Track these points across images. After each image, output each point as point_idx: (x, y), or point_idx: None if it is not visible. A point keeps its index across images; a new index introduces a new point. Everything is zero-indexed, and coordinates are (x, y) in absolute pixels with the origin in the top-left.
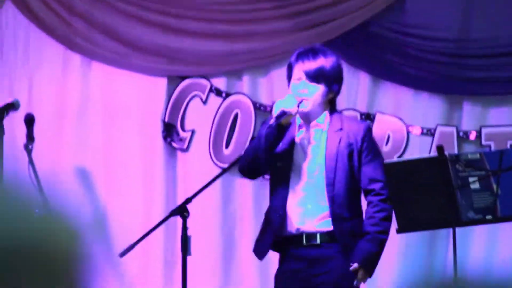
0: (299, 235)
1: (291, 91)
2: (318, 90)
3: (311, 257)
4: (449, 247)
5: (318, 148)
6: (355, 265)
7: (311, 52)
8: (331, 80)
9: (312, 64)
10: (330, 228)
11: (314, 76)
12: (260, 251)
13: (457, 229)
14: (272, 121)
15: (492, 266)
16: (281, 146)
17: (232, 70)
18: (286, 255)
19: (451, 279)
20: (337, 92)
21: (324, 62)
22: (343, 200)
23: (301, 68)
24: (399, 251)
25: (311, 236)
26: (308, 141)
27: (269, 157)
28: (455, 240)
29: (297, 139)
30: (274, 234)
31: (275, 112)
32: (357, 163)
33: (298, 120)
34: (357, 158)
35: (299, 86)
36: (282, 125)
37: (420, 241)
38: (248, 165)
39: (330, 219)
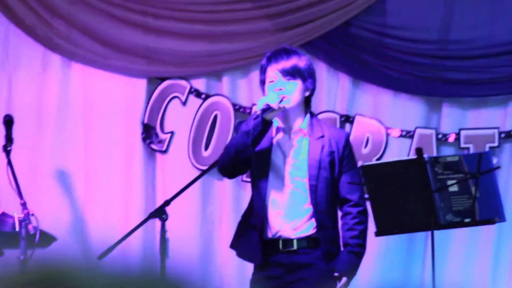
0: (276, 240)
1: (267, 92)
2: (295, 85)
3: (288, 263)
4: (427, 250)
5: (298, 152)
6: (344, 279)
7: (283, 52)
8: (306, 76)
9: (286, 62)
10: (308, 234)
11: (290, 73)
12: (252, 255)
13: (436, 232)
14: (258, 113)
15: (470, 269)
16: (259, 146)
17: (212, 71)
18: (263, 260)
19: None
20: (312, 90)
21: (298, 59)
22: (325, 208)
23: (275, 68)
24: (377, 253)
25: (287, 242)
26: (288, 143)
27: (251, 153)
28: (433, 242)
29: (275, 140)
30: (259, 237)
31: (259, 107)
32: (338, 171)
33: (276, 123)
34: (338, 166)
35: (275, 85)
36: (266, 120)
37: (398, 243)
38: (229, 163)
39: (308, 225)
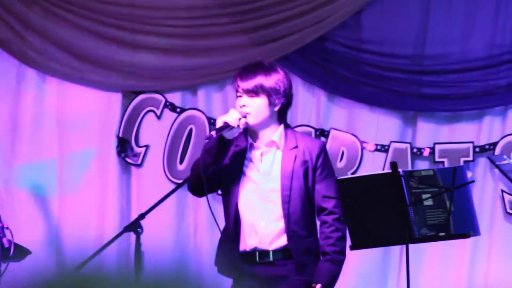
0: (252, 252)
1: (236, 106)
2: (259, 103)
3: (265, 275)
4: (402, 262)
5: (271, 165)
6: (319, 286)
7: (250, 68)
8: (271, 92)
9: (249, 82)
10: (284, 244)
11: (252, 91)
12: (228, 270)
13: (411, 245)
14: (213, 133)
15: (445, 283)
16: (231, 161)
17: (187, 85)
18: (240, 273)
19: None
20: (281, 104)
21: (263, 77)
22: (299, 217)
23: (240, 85)
24: (353, 266)
25: (264, 253)
26: (260, 157)
27: (211, 172)
28: (408, 256)
29: (248, 155)
30: (235, 251)
31: (218, 125)
32: (312, 181)
33: (250, 137)
34: (312, 176)
35: (240, 102)
36: (224, 138)
37: (374, 257)
38: (196, 182)
39: (283, 236)
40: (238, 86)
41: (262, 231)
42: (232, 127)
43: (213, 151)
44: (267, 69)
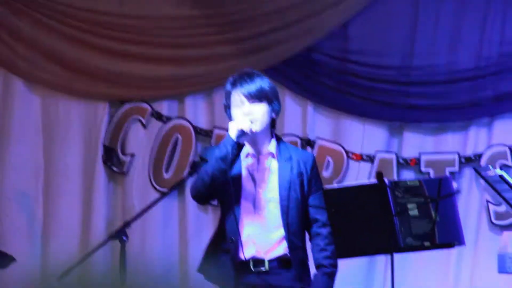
0: (247, 261)
1: (234, 117)
2: (262, 109)
3: (262, 285)
4: (387, 272)
5: (269, 175)
6: None
7: (246, 75)
8: (271, 98)
9: (251, 86)
10: (279, 254)
11: (256, 96)
12: (224, 279)
13: (396, 255)
14: (234, 140)
15: None
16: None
17: (174, 94)
18: (234, 283)
19: None
20: (278, 112)
21: (262, 82)
22: (297, 228)
23: (241, 92)
24: (338, 275)
25: (258, 262)
26: (258, 167)
27: (227, 178)
28: (393, 265)
29: (245, 166)
30: (232, 260)
31: (233, 132)
32: (306, 192)
33: (245, 147)
34: (307, 187)
35: (243, 110)
36: (240, 144)
37: (359, 266)
38: (205, 190)
39: (280, 246)
40: (237, 93)
41: (260, 242)
42: (245, 133)
43: (232, 158)
44: (259, 75)
